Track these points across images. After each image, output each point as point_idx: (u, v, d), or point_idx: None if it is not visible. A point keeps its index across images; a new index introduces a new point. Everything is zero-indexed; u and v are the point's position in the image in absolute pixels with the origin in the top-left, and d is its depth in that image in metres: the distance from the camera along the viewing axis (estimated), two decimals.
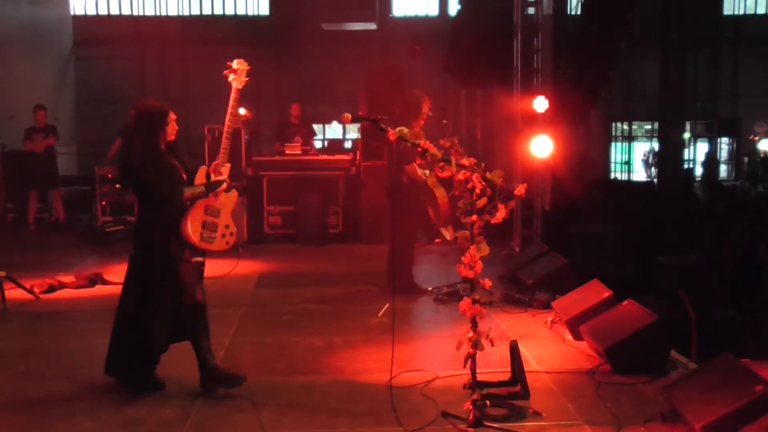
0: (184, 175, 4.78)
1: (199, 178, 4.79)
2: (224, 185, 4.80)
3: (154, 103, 4.76)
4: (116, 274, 8.45)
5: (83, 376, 5.15)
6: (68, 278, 8.08)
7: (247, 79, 4.84)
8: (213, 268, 5.65)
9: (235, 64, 4.84)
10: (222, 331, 5.91)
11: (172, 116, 4.76)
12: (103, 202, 11.64)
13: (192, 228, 4.67)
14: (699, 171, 24.89)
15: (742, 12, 26.21)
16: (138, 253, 4.75)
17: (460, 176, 4.15)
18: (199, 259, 4.73)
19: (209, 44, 20.78)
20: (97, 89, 20.87)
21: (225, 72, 4.82)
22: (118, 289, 7.70)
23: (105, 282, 8.11)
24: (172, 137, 4.78)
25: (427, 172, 7.02)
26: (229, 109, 4.83)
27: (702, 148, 26.15)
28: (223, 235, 4.80)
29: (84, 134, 18.92)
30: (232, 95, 4.82)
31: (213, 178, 4.80)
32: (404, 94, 7.50)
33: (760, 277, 8.09)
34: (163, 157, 4.69)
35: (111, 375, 4.86)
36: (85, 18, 22.51)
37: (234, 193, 4.93)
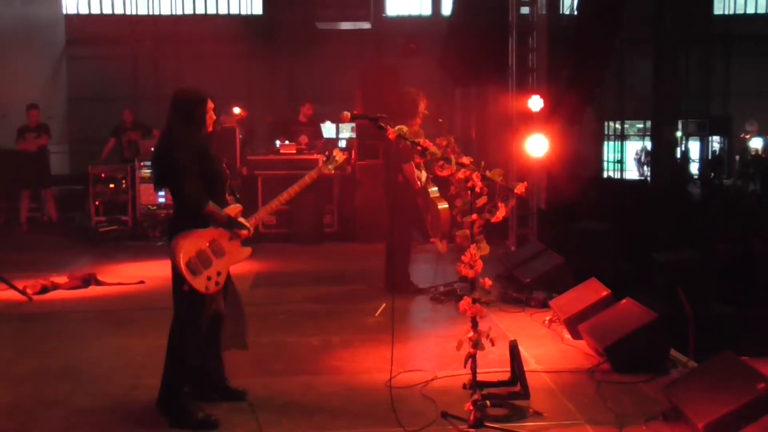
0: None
1: (230, 211, 4.40)
2: (245, 231, 4.40)
3: (193, 88, 4.42)
4: (110, 274, 8.42)
5: (77, 378, 5.11)
6: (61, 279, 8.01)
7: (334, 171, 4.79)
8: None
9: (335, 154, 4.80)
10: None
11: (210, 104, 4.38)
12: (97, 202, 11.55)
13: (185, 248, 4.20)
14: (692, 169, 24.95)
15: (732, 11, 26.31)
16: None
17: (460, 175, 4.13)
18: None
19: (202, 43, 20.71)
20: (90, 88, 20.78)
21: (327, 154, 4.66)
22: (112, 289, 7.82)
23: (98, 282, 8.05)
24: (210, 128, 4.42)
25: (424, 175, 7.01)
26: (303, 180, 4.65)
27: (694, 146, 26.21)
28: (209, 278, 4.23)
29: (76, 133, 18.84)
30: (314, 174, 4.67)
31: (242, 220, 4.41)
32: (401, 93, 7.46)
33: (757, 273, 8.09)
34: (204, 149, 4.33)
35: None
36: (78, 17, 22.40)
37: (248, 251, 4.48)
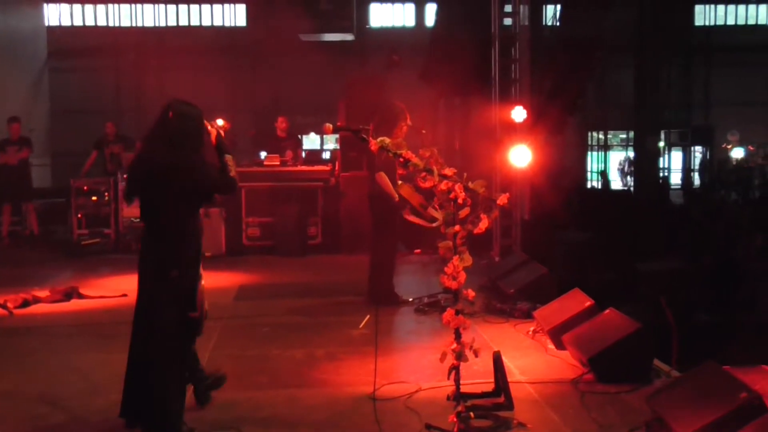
0: None
1: None
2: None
3: (189, 102, 4.35)
4: (92, 287, 8.35)
5: (59, 393, 5.05)
6: (43, 292, 7.93)
7: None
8: None
9: None
10: (201, 344, 5.78)
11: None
12: (79, 215, 11.48)
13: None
14: (674, 179, 25.11)
15: (713, 23, 26.62)
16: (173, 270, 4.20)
17: (443, 186, 4.12)
18: None
19: (186, 55, 20.69)
20: (72, 100, 20.71)
21: None
22: (95, 303, 7.75)
23: (81, 296, 7.98)
24: None
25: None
26: None
27: (676, 156, 26.41)
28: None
29: (58, 146, 18.75)
30: None
31: None
32: (385, 105, 7.48)
33: (739, 282, 8.14)
34: None
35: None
36: (60, 28, 22.35)
37: None
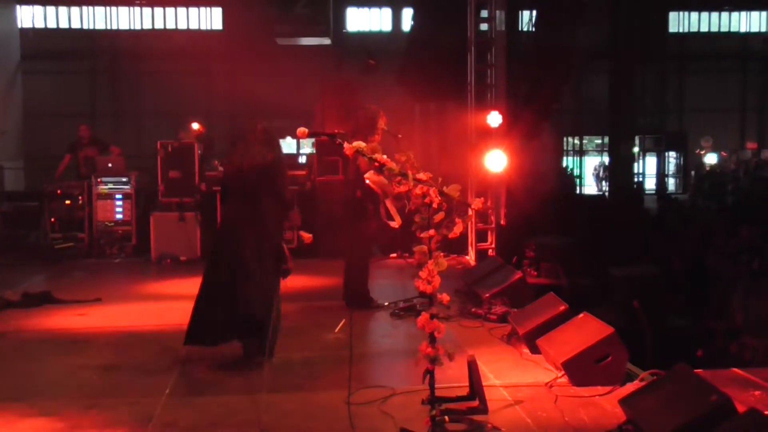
0: None
1: None
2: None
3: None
4: (66, 291, 8.25)
5: (32, 397, 5.00)
6: (15, 297, 7.84)
7: None
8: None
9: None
10: (176, 345, 5.79)
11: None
12: (52, 219, 11.34)
13: None
14: (649, 184, 25.35)
15: (686, 30, 26.94)
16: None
17: (417, 191, 4.14)
18: None
19: (161, 58, 20.57)
20: (46, 103, 20.52)
21: None
22: (68, 307, 7.67)
23: (54, 300, 7.89)
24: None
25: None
26: None
27: (651, 161, 26.68)
28: None
29: (32, 149, 18.56)
30: None
31: None
32: (360, 109, 7.49)
33: (710, 287, 8.24)
34: None
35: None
36: (34, 30, 22.14)
37: None
